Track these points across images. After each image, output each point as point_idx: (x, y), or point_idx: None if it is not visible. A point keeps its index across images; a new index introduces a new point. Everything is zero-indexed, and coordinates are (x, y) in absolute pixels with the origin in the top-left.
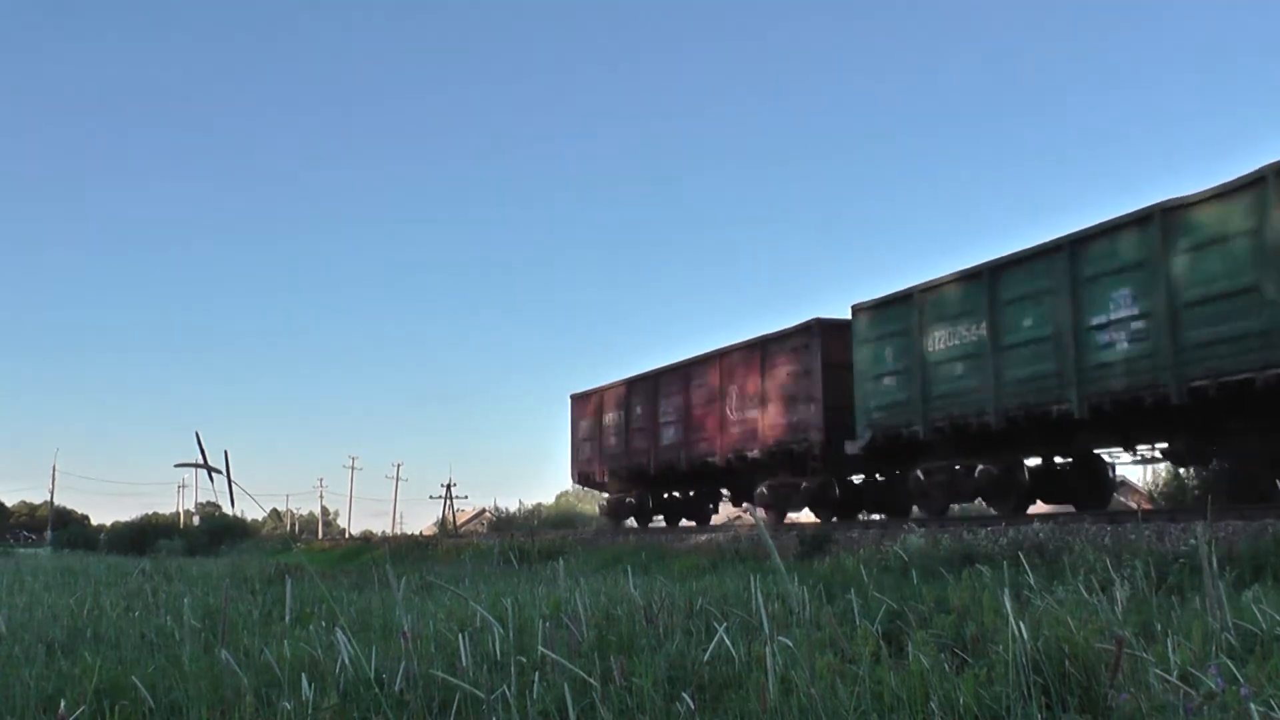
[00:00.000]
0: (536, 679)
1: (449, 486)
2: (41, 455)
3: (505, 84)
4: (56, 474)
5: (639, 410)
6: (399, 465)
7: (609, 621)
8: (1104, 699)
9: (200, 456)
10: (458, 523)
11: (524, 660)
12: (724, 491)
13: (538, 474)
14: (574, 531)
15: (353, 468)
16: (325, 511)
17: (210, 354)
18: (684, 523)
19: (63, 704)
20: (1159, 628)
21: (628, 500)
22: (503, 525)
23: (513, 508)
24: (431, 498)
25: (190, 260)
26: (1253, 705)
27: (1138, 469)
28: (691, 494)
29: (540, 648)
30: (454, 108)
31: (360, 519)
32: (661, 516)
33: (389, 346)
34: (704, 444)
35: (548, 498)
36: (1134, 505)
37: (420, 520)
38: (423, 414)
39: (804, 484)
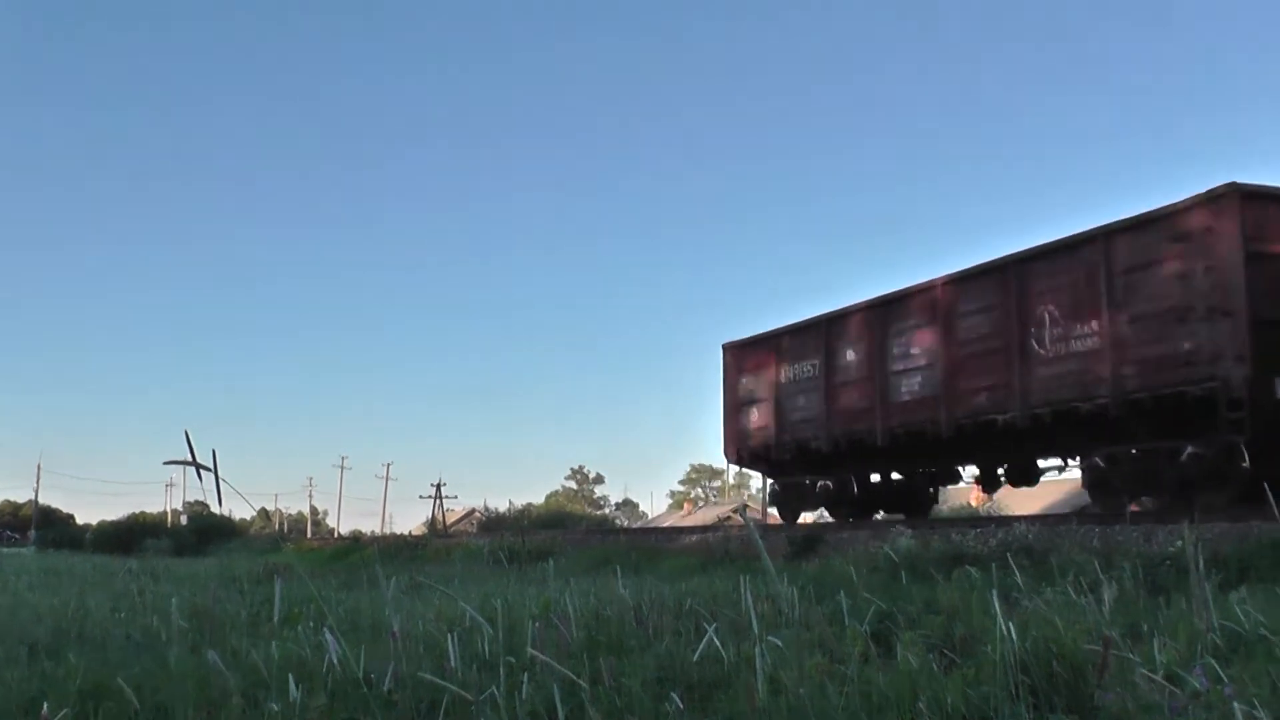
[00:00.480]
0: (525, 680)
1: (439, 486)
2: (26, 453)
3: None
4: (41, 472)
5: (850, 356)
6: (388, 465)
7: (598, 622)
8: (1091, 699)
9: (189, 455)
10: (447, 522)
11: (513, 661)
12: (999, 469)
13: (528, 474)
14: (564, 532)
15: (342, 467)
16: (314, 511)
17: (200, 352)
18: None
19: (45, 706)
20: (1146, 629)
21: (821, 484)
22: (493, 525)
23: (503, 508)
24: (421, 497)
25: (178, 257)
26: (1236, 705)
27: None
28: (932, 471)
29: (529, 648)
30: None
31: (349, 519)
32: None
33: (380, 345)
34: (985, 395)
35: (538, 498)
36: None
37: (409, 520)
38: (413, 413)
39: (1189, 450)
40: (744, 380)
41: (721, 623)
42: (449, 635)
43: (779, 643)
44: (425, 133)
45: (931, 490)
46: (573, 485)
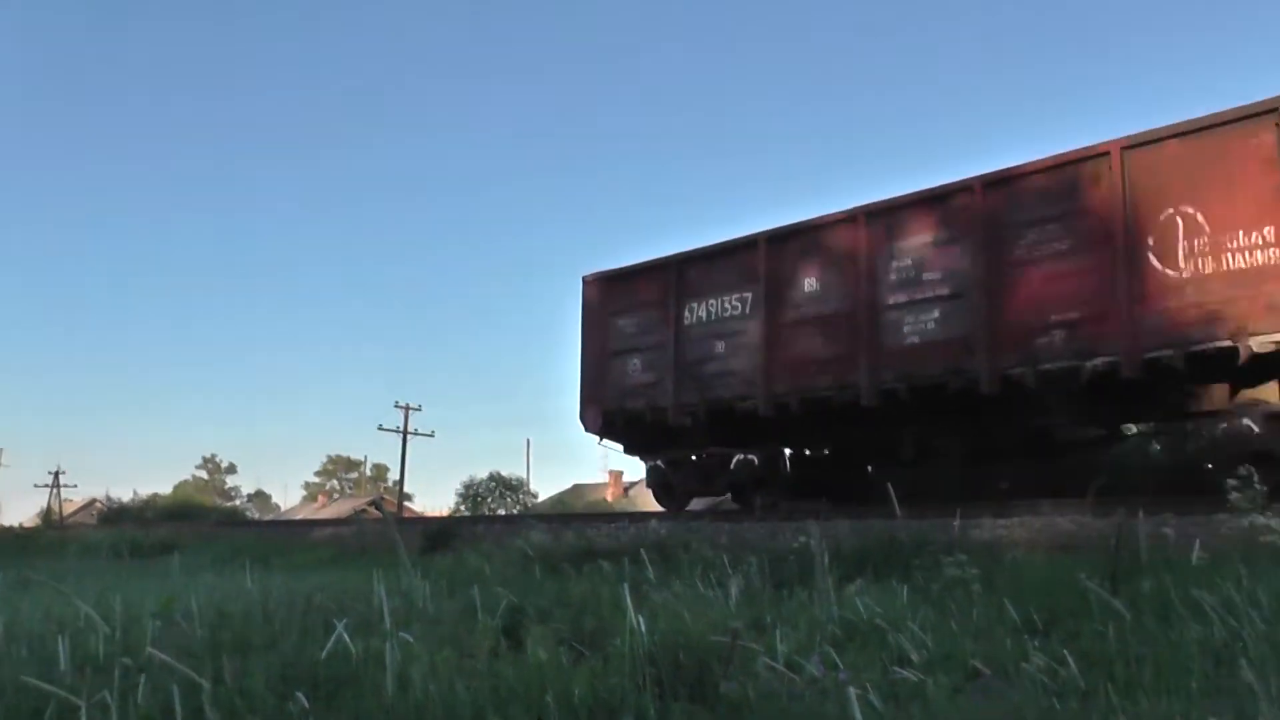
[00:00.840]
0: (143, 681)
1: (57, 474)
2: None
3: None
4: None
5: (812, 285)
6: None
7: (223, 619)
8: (715, 688)
9: None
10: (64, 514)
11: (129, 662)
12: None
13: (156, 462)
14: (192, 524)
15: None
16: None
17: None
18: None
19: None
20: (769, 620)
21: (742, 459)
22: (114, 517)
23: (127, 498)
24: (37, 486)
25: None
26: (851, 689)
27: None
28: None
29: (148, 648)
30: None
31: None
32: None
33: None
34: (1060, 335)
35: (165, 488)
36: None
37: (23, 511)
38: (30, 394)
39: None
40: (620, 323)
41: (352, 618)
42: (59, 636)
43: (410, 638)
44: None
45: (869, 469)
46: (203, 475)
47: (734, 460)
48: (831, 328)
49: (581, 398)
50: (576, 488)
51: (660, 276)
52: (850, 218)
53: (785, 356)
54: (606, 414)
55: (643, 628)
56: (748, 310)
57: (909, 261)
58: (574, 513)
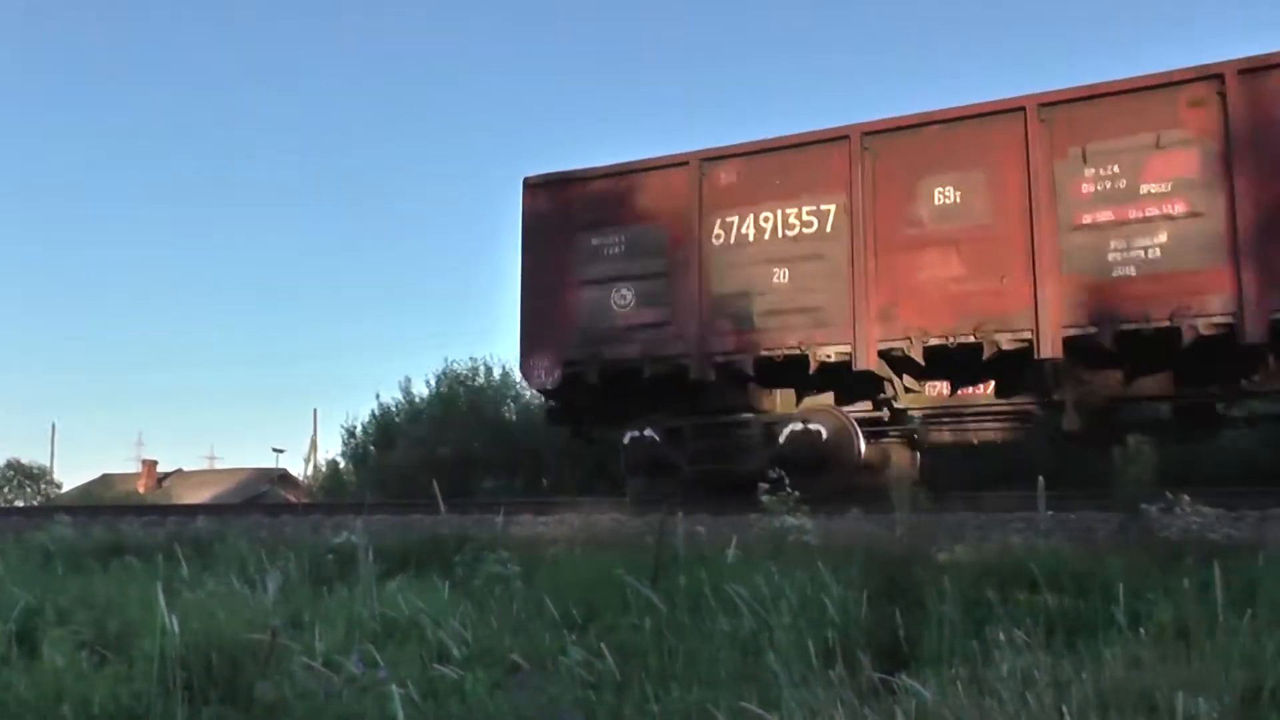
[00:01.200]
0: None
1: None
2: None
3: None
4: None
5: (943, 197)
6: None
7: None
8: (250, 689)
9: None
10: None
11: None
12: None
13: None
14: None
15: None
16: None
17: None
18: None
19: None
20: (308, 618)
21: (800, 428)
22: None
23: None
24: None
25: None
26: (394, 686)
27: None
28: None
29: None
30: None
31: None
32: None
33: None
34: None
35: None
36: (293, 499)
37: None
38: None
39: None
40: (596, 241)
41: None
42: None
43: None
44: None
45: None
46: None
47: (785, 431)
48: (979, 253)
49: (525, 342)
50: (106, 477)
51: (672, 180)
52: (1014, 108)
53: (896, 290)
54: (570, 364)
55: (174, 628)
56: (828, 227)
57: (1114, 169)
58: (103, 505)
